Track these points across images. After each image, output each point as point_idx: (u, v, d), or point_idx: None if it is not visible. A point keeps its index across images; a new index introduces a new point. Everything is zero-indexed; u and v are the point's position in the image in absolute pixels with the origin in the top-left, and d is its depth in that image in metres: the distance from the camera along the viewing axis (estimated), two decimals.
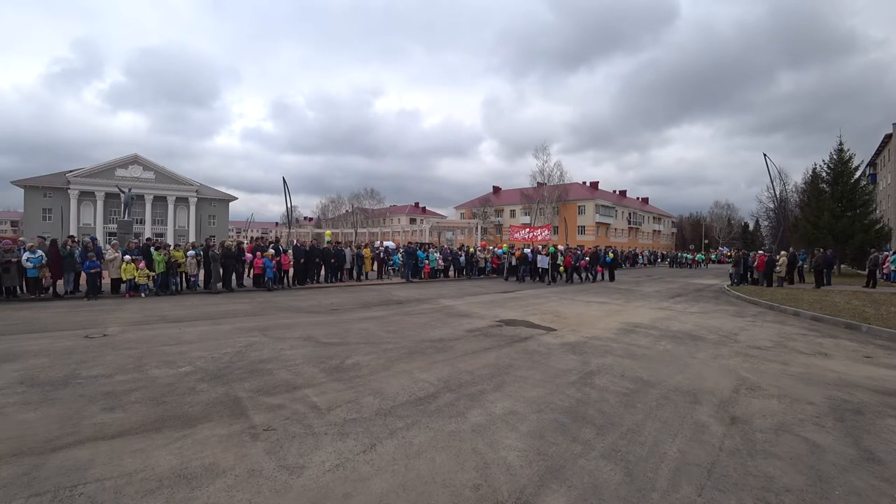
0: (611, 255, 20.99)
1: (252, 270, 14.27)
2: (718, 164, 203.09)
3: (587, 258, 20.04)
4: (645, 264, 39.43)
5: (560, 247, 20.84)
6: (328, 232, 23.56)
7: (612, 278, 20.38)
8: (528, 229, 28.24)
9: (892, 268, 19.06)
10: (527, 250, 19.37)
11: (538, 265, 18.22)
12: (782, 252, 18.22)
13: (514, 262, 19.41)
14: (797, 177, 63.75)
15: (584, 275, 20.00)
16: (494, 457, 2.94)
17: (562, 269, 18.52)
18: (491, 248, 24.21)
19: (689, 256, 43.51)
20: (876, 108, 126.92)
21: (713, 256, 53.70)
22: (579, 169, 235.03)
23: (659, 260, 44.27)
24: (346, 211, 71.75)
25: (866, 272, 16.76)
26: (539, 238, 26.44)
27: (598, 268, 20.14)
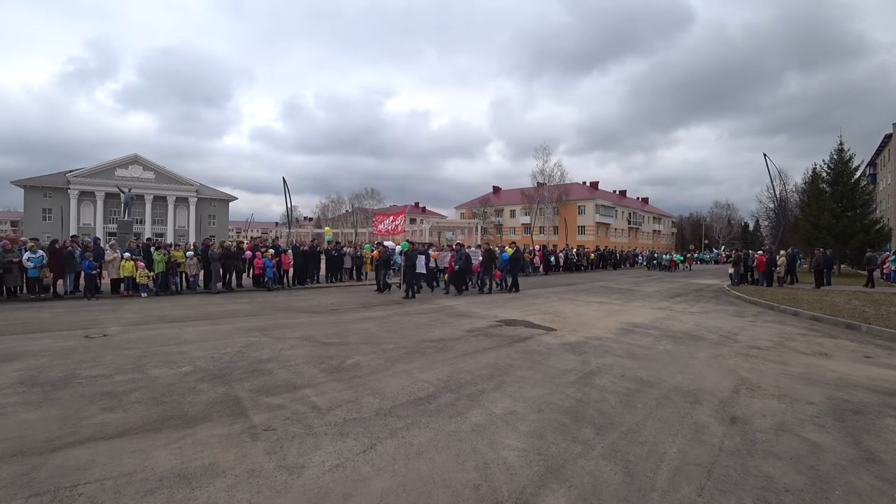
0: (509, 250, 14.34)
1: (252, 270, 14.28)
2: (722, 164, 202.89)
3: (479, 259, 14.22)
4: (644, 264, 39.13)
5: (486, 247, 15.06)
6: (328, 229, 22.75)
7: (515, 287, 14.20)
8: (391, 218, 17.21)
9: (893, 268, 19.08)
10: (394, 246, 14.34)
11: (416, 269, 12.84)
12: (781, 252, 18.24)
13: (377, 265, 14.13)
14: (800, 177, 63.55)
15: (472, 281, 14.83)
16: (494, 457, 2.94)
17: (445, 276, 14.17)
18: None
19: (667, 257, 34.40)
20: (880, 110, 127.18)
21: (698, 255, 45.53)
22: (585, 170, 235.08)
23: (610, 266, 32.40)
24: (347, 211, 71.80)
25: (866, 272, 16.83)
26: (399, 229, 17.67)
27: (497, 272, 14.40)
